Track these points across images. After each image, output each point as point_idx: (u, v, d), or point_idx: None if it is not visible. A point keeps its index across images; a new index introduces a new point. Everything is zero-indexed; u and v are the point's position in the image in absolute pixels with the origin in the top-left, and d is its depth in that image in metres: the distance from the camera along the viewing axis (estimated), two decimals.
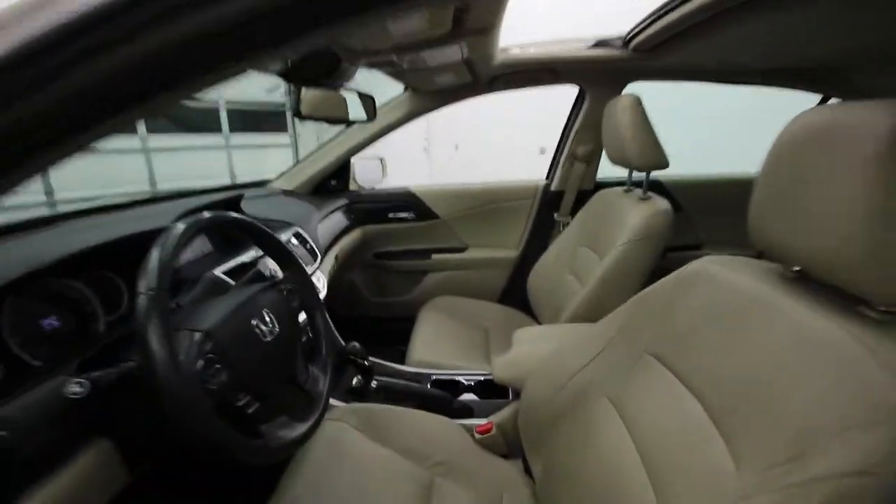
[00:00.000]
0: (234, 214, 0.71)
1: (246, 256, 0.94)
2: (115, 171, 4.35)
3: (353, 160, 1.77)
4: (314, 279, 1.21)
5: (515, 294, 1.81)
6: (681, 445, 0.59)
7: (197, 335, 0.57)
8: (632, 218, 1.21)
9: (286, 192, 1.65)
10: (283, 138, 6.05)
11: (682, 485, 0.56)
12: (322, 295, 1.20)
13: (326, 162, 1.65)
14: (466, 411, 1.08)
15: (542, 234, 1.79)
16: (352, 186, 1.83)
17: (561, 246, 1.57)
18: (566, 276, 1.47)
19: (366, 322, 1.94)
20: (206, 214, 0.66)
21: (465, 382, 1.20)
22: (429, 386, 1.19)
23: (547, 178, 1.81)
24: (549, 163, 1.83)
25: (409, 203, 1.81)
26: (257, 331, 0.64)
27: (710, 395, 0.59)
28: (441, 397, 1.07)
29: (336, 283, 1.91)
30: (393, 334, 1.77)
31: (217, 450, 0.53)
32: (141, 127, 4.62)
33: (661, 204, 1.22)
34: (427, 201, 1.80)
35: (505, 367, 1.03)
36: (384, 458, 0.90)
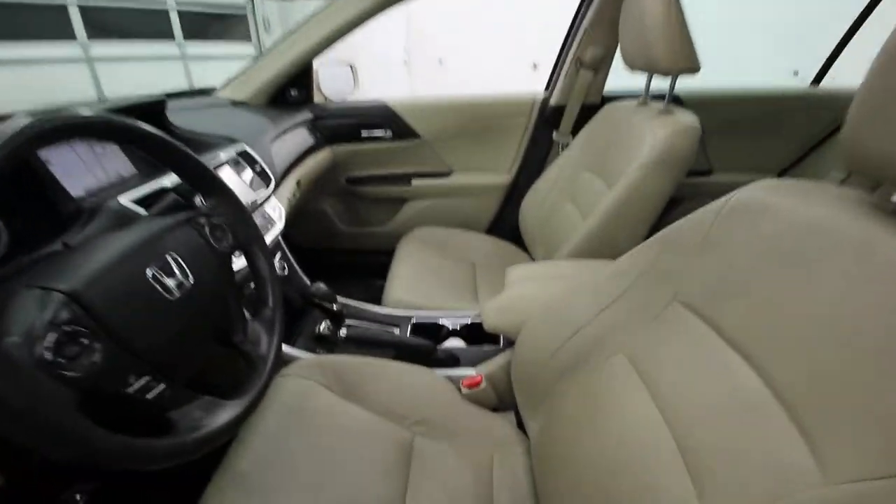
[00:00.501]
0: (116, 117, 0.48)
1: (168, 180, 0.72)
2: (59, 83, 3.84)
3: (316, 68, 1.48)
4: (268, 208, 1.00)
5: (506, 225, 1.63)
6: (731, 424, 0.45)
7: (55, 298, 0.38)
8: (650, 135, 1.00)
9: (235, 104, 1.37)
10: (247, 48, 5.42)
11: (735, 478, 0.42)
12: (278, 228, 1.00)
13: (282, 66, 1.35)
14: (451, 360, 0.94)
15: (538, 157, 1.57)
16: (316, 98, 1.55)
17: (560, 170, 1.37)
18: (565, 205, 1.29)
19: (338, 256, 1.77)
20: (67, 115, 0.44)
21: (450, 326, 1.06)
22: (408, 331, 1.04)
23: (546, 90, 1.56)
24: (543, 82, 1.57)
25: (385, 119, 1.55)
26: (156, 285, 0.45)
27: (769, 363, 0.44)
28: (422, 346, 0.93)
29: (302, 214, 1.70)
30: (369, 269, 1.61)
31: (92, 460, 0.36)
32: (81, 31, 4.02)
33: (687, 118, 1.01)
34: (406, 117, 1.55)
35: (497, 313, 0.88)
36: (356, 419, 0.76)
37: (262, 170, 1.02)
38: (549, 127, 1.53)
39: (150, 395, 0.43)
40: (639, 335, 0.62)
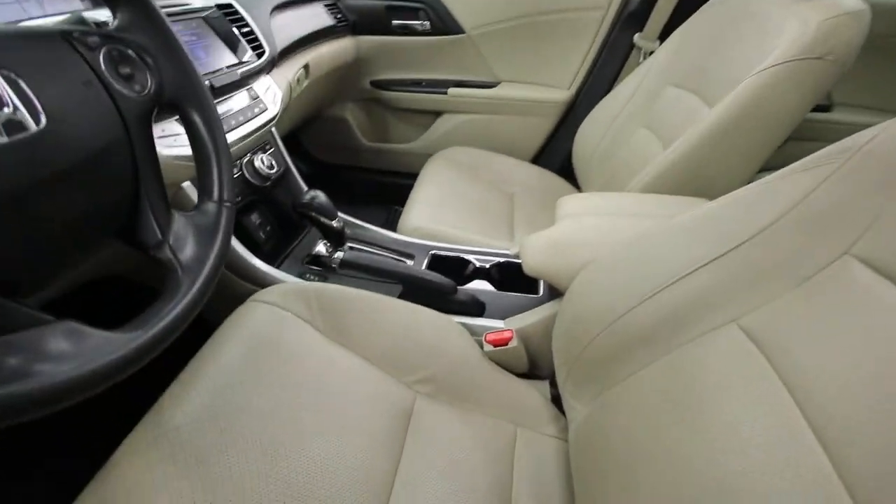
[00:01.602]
0: None
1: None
2: None
3: None
4: (258, 86, 0.77)
5: (556, 154, 1.35)
6: None
7: None
8: (797, 21, 0.70)
9: None
10: None
11: None
12: (269, 114, 0.77)
13: None
14: (475, 307, 0.73)
15: (608, 69, 1.25)
16: None
17: (637, 85, 1.07)
18: (638, 130, 1.00)
19: (357, 175, 1.54)
20: None
21: (477, 264, 0.84)
22: (424, 265, 0.83)
23: None
24: None
25: (423, 4, 1.25)
26: None
27: None
28: (439, 284, 0.72)
29: (318, 120, 1.47)
30: (391, 193, 1.39)
31: None
32: None
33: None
34: (449, 4, 1.24)
35: (542, 253, 0.65)
36: (341, 366, 0.58)
37: (253, 35, 0.78)
38: (630, 27, 1.20)
39: None
40: (771, 302, 0.40)
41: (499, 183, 1.18)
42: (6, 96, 0.27)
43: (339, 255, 0.76)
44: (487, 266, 0.83)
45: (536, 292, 0.77)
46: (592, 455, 0.49)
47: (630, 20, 1.19)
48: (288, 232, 0.87)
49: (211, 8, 0.72)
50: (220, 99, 0.70)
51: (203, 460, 0.44)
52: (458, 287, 0.74)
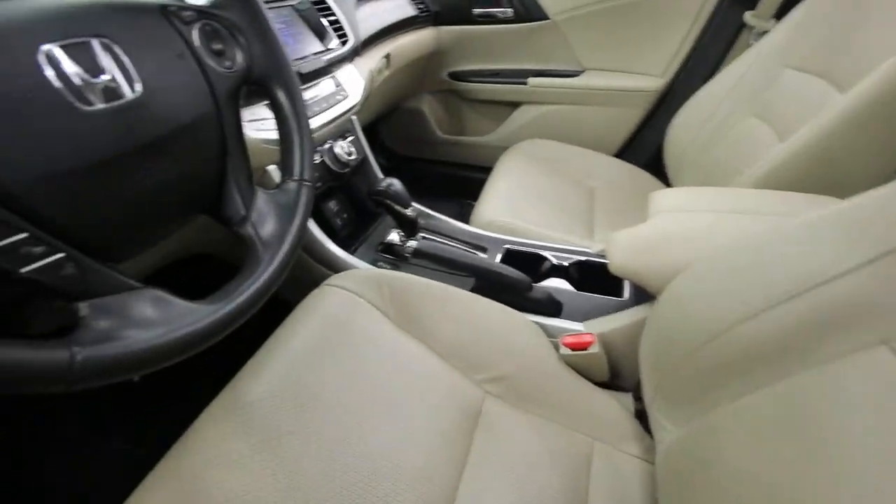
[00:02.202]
0: None
1: None
2: None
3: None
4: (341, 74, 0.77)
5: (645, 149, 1.25)
6: None
7: None
8: None
9: None
10: None
11: None
12: (350, 101, 0.78)
13: None
14: (551, 306, 0.68)
15: (712, 52, 1.12)
16: None
17: (746, 69, 0.95)
18: (746, 120, 0.89)
19: (433, 169, 1.54)
20: None
21: (555, 261, 0.79)
22: (498, 259, 0.80)
23: None
24: None
25: None
26: (50, 71, 0.25)
27: None
28: (515, 279, 0.68)
29: (396, 112, 1.48)
30: (466, 187, 1.36)
31: None
32: None
33: None
34: None
35: (631, 251, 0.59)
36: (411, 357, 0.57)
37: (339, 24, 0.79)
38: (739, 5, 1.06)
39: (29, 269, 0.24)
40: None
41: (579, 177, 1.10)
42: (106, 64, 0.28)
43: (411, 244, 0.75)
44: (566, 264, 0.78)
45: (620, 295, 0.70)
46: (687, 484, 0.43)
47: None
48: (363, 219, 0.87)
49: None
50: (307, 85, 0.72)
51: (273, 440, 0.45)
52: (534, 284, 0.69)
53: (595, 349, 0.59)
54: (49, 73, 0.25)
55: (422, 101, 1.45)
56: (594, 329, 0.62)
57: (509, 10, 1.22)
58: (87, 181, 0.27)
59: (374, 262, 0.76)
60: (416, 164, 1.57)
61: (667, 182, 1.09)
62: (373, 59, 0.92)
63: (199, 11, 0.35)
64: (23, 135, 0.24)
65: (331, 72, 0.77)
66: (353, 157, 0.79)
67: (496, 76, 1.33)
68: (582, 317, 0.66)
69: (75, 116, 0.26)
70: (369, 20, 0.94)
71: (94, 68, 0.27)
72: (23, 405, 0.72)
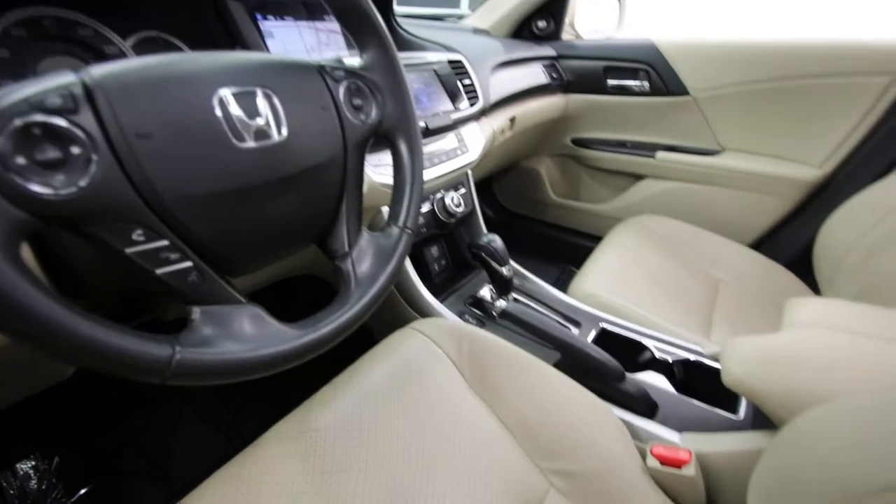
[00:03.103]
0: None
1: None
2: None
3: None
4: (466, 131, 0.82)
5: (790, 242, 1.09)
6: None
7: (66, 78, 0.26)
8: None
9: (476, 31, 1.23)
10: None
11: None
12: (469, 157, 0.81)
13: None
14: (644, 404, 0.61)
15: (887, 145, 0.96)
16: (565, 35, 1.30)
17: None
18: None
19: (541, 230, 1.52)
20: None
21: (657, 353, 0.70)
22: (591, 337, 0.74)
23: None
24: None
25: (645, 65, 1.19)
26: (219, 113, 0.30)
27: None
28: (605, 364, 0.62)
29: (512, 170, 1.51)
30: (568, 251, 1.32)
31: (25, 337, 0.23)
32: None
33: None
34: (677, 64, 1.15)
35: (753, 361, 0.50)
36: (478, 426, 0.54)
37: (472, 88, 0.84)
38: None
39: (162, 271, 0.29)
40: None
41: (702, 264, 0.99)
42: (263, 109, 0.33)
43: (501, 303, 0.73)
44: (669, 359, 0.69)
45: (734, 411, 0.59)
46: None
47: None
48: (460, 269, 0.89)
49: (443, 62, 0.81)
50: (433, 139, 0.77)
51: (327, 473, 0.45)
52: (627, 374, 0.63)
53: (690, 470, 0.50)
54: (218, 112, 0.31)
55: (540, 162, 1.47)
56: (693, 445, 0.53)
57: (646, 82, 1.20)
58: (226, 205, 0.31)
59: (460, 314, 0.75)
60: (524, 222, 1.57)
61: (814, 287, 0.93)
62: (497, 120, 0.96)
63: (349, 72, 0.40)
64: (188, 158, 0.29)
65: (456, 128, 0.82)
66: (461, 208, 0.82)
67: (621, 146, 1.30)
68: (680, 426, 0.57)
69: (230, 150, 0.31)
70: (502, 85, 0.99)
71: (252, 112, 0.32)
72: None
